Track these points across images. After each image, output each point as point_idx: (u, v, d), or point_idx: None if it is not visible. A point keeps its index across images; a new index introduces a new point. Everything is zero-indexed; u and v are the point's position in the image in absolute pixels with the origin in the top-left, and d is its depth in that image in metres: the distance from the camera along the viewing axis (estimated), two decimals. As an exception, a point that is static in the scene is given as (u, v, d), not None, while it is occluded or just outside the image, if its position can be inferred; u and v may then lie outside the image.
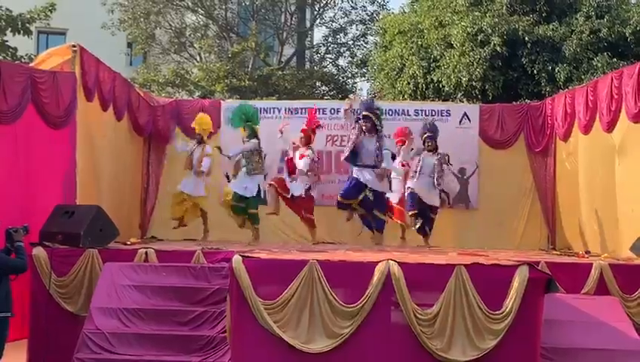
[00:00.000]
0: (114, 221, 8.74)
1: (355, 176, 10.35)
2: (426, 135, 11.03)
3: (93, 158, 10.06)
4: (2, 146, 8.31)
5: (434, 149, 10.94)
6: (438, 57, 17.79)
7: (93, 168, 10.09)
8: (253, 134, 10.61)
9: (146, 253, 8.28)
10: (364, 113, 10.31)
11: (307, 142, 10.84)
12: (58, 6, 18.29)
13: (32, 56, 17.48)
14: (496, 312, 6.40)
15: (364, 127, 10.20)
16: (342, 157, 10.83)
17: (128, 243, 9.40)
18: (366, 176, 10.22)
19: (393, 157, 11.09)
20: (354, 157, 10.20)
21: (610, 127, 9.82)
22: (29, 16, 17.42)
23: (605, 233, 10.01)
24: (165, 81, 23.93)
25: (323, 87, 26.48)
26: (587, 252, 9.94)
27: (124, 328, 7.22)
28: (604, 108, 9.94)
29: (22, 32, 17.19)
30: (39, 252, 8.01)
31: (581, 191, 10.89)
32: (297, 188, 10.64)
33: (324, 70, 27.24)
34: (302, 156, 10.75)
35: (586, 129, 10.61)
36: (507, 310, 6.38)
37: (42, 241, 8.17)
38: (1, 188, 8.15)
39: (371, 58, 23.11)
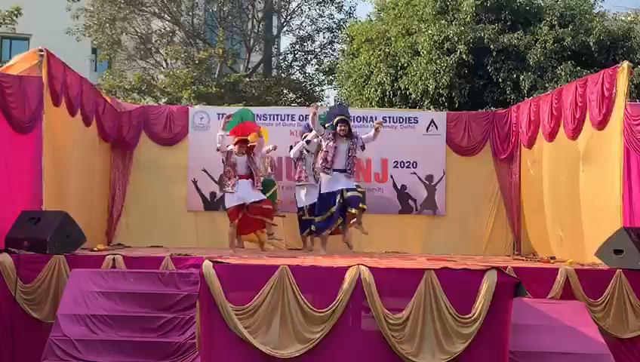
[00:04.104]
0: (81, 227, 8.65)
1: (322, 192, 10.13)
2: None
3: (60, 164, 9.92)
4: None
5: None
6: (406, 65, 17.95)
7: (60, 174, 9.95)
8: None
9: (114, 259, 8.20)
10: (341, 117, 10.17)
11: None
12: (22, 11, 18.07)
13: (-4, 60, 17.30)
14: (466, 316, 6.46)
15: (341, 132, 10.04)
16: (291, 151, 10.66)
17: (95, 249, 9.31)
18: (340, 179, 9.97)
19: None
20: (324, 162, 10.08)
21: (574, 134, 9.98)
22: (-7, 20, 17.23)
23: (570, 239, 10.14)
24: (131, 87, 23.77)
25: (290, 95, 26.50)
26: (552, 258, 10.07)
27: (91, 335, 7.12)
28: (568, 115, 10.09)
29: (-15, 36, 16.99)
30: (5, 258, 7.88)
31: (546, 197, 11.02)
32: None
33: (292, 77, 27.26)
34: None
35: (551, 136, 10.76)
36: (476, 314, 6.44)
37: (8, 248, 8.05)
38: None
39: (338, 65, 23.23)
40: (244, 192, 10.18)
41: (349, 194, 9.85)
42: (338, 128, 10.02)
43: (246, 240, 11.03)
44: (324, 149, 10.02)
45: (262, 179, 10.79)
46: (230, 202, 10.23)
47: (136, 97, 23.93)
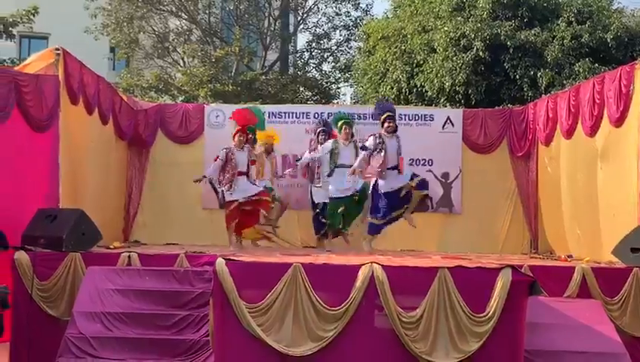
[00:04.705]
0: (97, 225, 8.69)
1: (383, 191, 9.87)
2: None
3: (77, 162, 9.99)
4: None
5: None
6: (421, 62, 17.87)
7: (77, 172, 10.02)
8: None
9: (129, 256, 8.23)
10: (388, 114, 10.02)
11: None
12: (41, 10, 18.16)
13: (15, 60, 17.39)
14: (480, 315, 6.43)
15: (389, 128, 9.89)
16: (355, 164, 9.95)
17: (111, 247, 9.35)
18: (396, 177, 9.83)
19: None
20: (381, 166, 9.76)
21: (592, 131, 9.90)
22: (11, 19, 17.29)
23: (587, 237, 10.06)
24: (148, 85, 23.88)
25: (306, 92, 26.49)
26: (569, 256, 10.00)
27: (106, 332, 7.17)
28: (586, 112, 10.01)
29: (4, 35, 17.07)
30: (21, 256, 7.95)
31: (563, 195, 10.94)
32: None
33: (308, 75, 27.24)
34: None
35: (569, 133, 10.68)
36: (490, 312, 6.41)
37: (24, 245, 8.10)
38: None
39: (355, 63, 23.19)
40: (244, 187, 10.10)
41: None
42: (386, 125, 9.89)
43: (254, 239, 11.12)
44: (376, 147, 9.78)
45: (266, 182, 10.90)
46: (229, 197, 10.12)
47: (154, 96, 24.03)
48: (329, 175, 10.28)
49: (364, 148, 9.96)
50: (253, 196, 10.18)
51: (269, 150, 11.41)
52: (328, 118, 11.44)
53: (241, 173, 10.13)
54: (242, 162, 10.17)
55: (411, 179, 9.91)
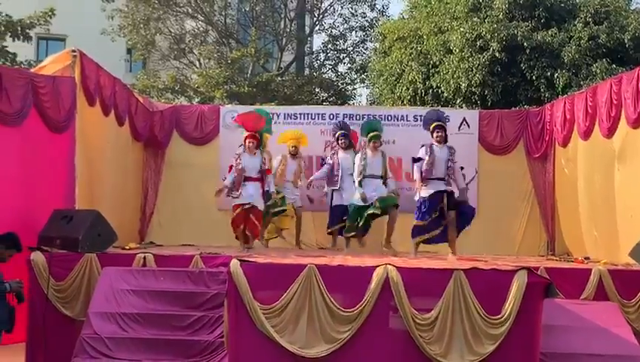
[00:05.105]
0: (113, 226, 8.73)
1: (424, 195, 9.51)
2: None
3: (93, 163, 10.05)
4: (8, 149, 8.35)
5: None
6: (437, 63, 17.83)
7: (93, 172, 10.07)
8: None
9: (145, 257, 8.27)
10: (438, 123, 9.77)
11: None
12: (58, 12, 18.24)
13: (32, 62, 17.50)
14: (495, 317, 6.40)
15: (438, 138, 9.63)
16: (415, 176, 9.70)
17: (127, 247, 9.39)
18: (440, 186, 9.54)
19: None
20: (425, 173, 9.50)
21: (609, 132, 9.82)
22: (28, 21, 17.40)
23: (605, 239, 9.99)
24: (165, 87, 23.98)
25: (322, 93, 26.50)
26: (586, 258, 9.92)
27: (122, 332, 7.20)
28: (603, 113, 9.94)
29: (21, 37, 17.18)
30: (37, 256, 7.99)
31: (580, 196, 10.87)
32: None
33: (324, 76, 27.24)
34: None
35: (586, 135, 10.61)
36: (506, 315, 6.38)
37: (40, 246, 8.15)
38: (4, 191, 8.18)
39: (370, 64, 23.15)
40: (252, 192, 9.72)
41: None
42: (435, 135, 9.65)
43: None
44: (426, 163, 9.51)
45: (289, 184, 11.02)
46: (235, 201, 9.76)
47: (170, 97, 24.14)
48: (359, 184, 10.01)
49: (417, 160, 9.67)
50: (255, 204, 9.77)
51: (294, 152, 11.40)
52: (346, 120, 11.41)
53: (248, 179, 9.73)
54: (250, 167, 9.77)
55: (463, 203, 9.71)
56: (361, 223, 9.98)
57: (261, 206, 9.88)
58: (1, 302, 6.44)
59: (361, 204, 9.85)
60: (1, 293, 6.41)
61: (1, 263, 6.71)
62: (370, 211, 9.87)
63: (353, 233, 10.19)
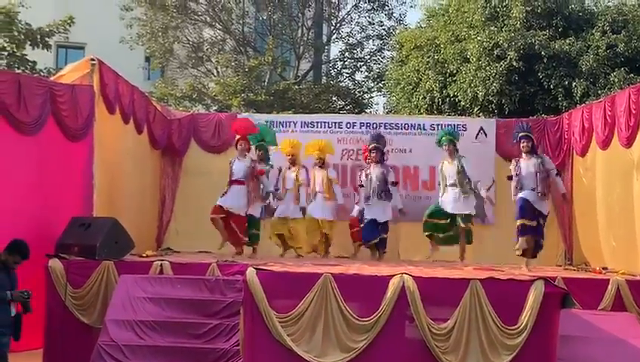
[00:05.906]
0: (130, 233, 8.79)
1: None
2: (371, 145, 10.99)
3: (111, 171, 10.11)
4: (26, 157, 8.41)
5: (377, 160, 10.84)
6: (455, 72, 17.80)
7: (112, 180, 10.14)
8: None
9: (161, 265, 8.31)
10: (524, 133, 9.97)
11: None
12: (77, 20, 18.36)
13: (51, 70, 17.61)
14: (512, 327, 6.38)
15: (524, 148, 9.84)
16: (514, 192, 9.95)
17: (144, 255, 9.42)
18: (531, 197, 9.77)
19: None
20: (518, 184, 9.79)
21: (628, 142, 9.74)
22: (48, 29, 17.53)
23: (623, 249, 9.90)
24: (182, 95, 24.08)
25: (339, 102, 26.51)
26: (604, 268, 9.84)
27: (138, 340, 7.23)
28: (622, 123, 9.86)
29: (41, 45, 17.31)
30: (55, 263, 8.06)
31: (598, 206, 10.79)
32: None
33: (341, 84, 27.27)
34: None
35: (604, 144, 10.54)
36: (522, 325, 6.37)
37: (58, 253, 8.22)
38: (22, 199, 8.23)
39: (387, 72, 23.15)
40: (231, 198, 9.99)
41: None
42: (521, 145, 9.87)
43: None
44: (515, 172, 9.80)
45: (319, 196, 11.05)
46: (218, 200, 10.08)
47: (188, 105, 24.22)
48: (441, 196, 10.44)
49: (511, 178, 9.97)
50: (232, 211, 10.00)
51: (320, 163, 11.31)
52: (362, 128, 11.40)
53: (234, 182, 10.07)
54: (238, 171, 10.11)
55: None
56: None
57: (243, 212, 10.07)
58: (2, 306, 6.41)
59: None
60: (2, 300, 6.40)
61: (12, 270, 6.66)
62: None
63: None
